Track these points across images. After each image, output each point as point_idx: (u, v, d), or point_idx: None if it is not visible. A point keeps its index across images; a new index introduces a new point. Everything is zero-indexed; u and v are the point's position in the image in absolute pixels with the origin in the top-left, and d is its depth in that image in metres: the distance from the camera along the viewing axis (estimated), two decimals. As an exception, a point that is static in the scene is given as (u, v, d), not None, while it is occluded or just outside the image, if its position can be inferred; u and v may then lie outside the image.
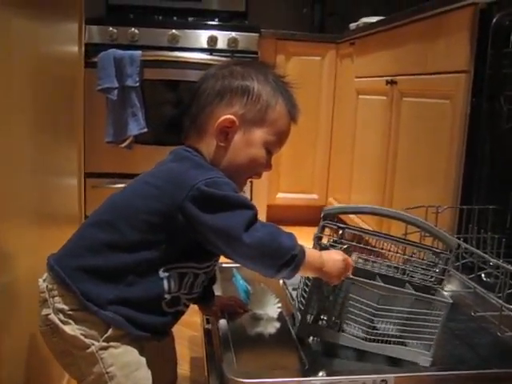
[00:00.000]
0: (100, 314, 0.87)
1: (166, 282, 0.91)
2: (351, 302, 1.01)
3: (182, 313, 0.99)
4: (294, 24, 3.39)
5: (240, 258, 0.92)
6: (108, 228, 0.91)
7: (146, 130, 2.74)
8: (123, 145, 2.76)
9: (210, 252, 0.95)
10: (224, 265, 1.48)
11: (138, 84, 2.69)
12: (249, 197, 2.98)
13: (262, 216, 3.08)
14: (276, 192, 3.08)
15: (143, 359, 0.92)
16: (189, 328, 1.58)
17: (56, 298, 0.89)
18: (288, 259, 0.88)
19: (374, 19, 2.47)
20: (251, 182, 2.96)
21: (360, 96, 2.52)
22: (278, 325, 1.14)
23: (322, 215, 1.09)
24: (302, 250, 0.90)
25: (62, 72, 1.27)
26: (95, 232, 0.92)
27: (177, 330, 1.58)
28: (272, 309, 1.15)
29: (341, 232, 1.06)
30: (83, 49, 1.45)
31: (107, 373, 0.89)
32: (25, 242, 0.99)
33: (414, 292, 1.03)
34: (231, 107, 0.97)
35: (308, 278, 1.04)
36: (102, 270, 0.89)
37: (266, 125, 0.98)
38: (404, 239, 1.13)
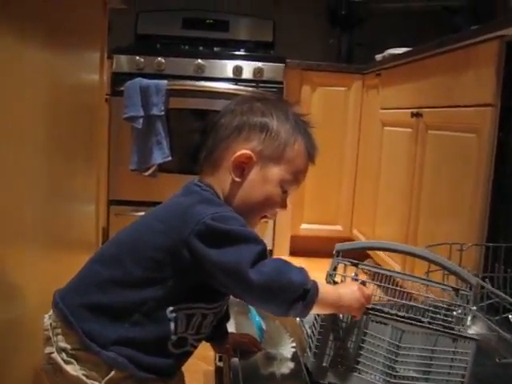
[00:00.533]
0: (102, 354, 0.84)
1: (172, 323, 0.88)
2: (370, 340, 0.95)
3: (189, 353, 0.95)
4: (321, 54, 3.40)
5: (249, 296, 0.88)
6: (113, 264, 0.89)
7: (170, 158, 2.75)
8: (147, 173, 2.77)
9: (220, 292, 0.91)
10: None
11: (163, 113, 2.71)
12: (272, 228, 2.96)
13: (285, 247, 3.05)
14: (300, 223, 3.04)
15: None
16: (204, 361, 1.55)
17: (59, 337, 0.87)
18: (299, 295, 0.83)
19: (400, 50, 2.45)
20: (274, 212, 2.93)
21: (385, 128, 2.48)
22: (291, 366, 1.09)
23: (334, 252, 1.04)
24: (315, 285, 0.86)
25: (81, 100, 1.27)
26: (100, 268, 0.90)
27: (192, 363, 1.55)
28: (286, 348, 1.11)
29: (355, 269, 1.01)
30: (105, 77, 1.46)
31: None
32: (37, 270, 0.99)
33: (439, 328, 0.97)
34: (249, 142, 0.94)
35: (321, 318, 1.00)
36: (106, 307, 0.86)
37: (284, 162, 0.95)
38: (421, 277, 1.07)
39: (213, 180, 0.96)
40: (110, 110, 2.78)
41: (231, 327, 1.20)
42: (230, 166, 0.94)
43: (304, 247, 3.08)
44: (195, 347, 0.96)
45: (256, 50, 3.21)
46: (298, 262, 2.82)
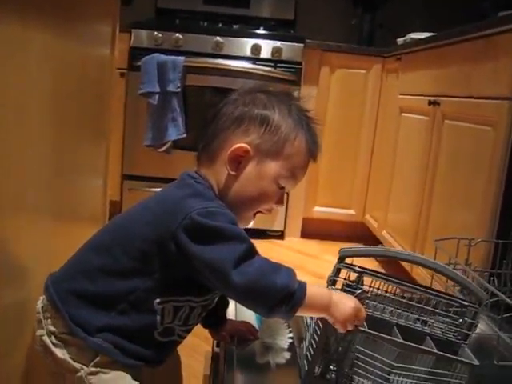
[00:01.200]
0: (88, 340, 0.85)
1: (159, 314, 0.88)
2: (364, 356, 0.91)
3: (176, 343, 0.95)
4: (342, 35, 3.34)
5: (232, 295, 0.87)
6: (103, 252, 0.89)
7: (184, 135, 2.74)
8: (161, 149, 2.77)
9: (208, 286, 0.90)
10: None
11: (179, 89, 2.70)
12: (284, 210, 2.95)
13: (296, 229, 3.05)
14: (313, 205, 3.03)
15: None
16: (206, 343, 1.56)
17: (49, 320, 0.88)
18: (281, 298, 0.81)
19: (422, 35, 2.40)
20: (287, 193, 2.93)
21: (403, 114, 2.44)
22: (287, 356, 1.08)
23: (338, 257, 1.02)
24: (302, 288, 0.83)
25: (90, 75, 1.26)
26: (91, 255, 0.90)
27: (195, 344, 1.57)
28: (282, 339, 1.11)
29: (357, 276, 0.98)
30: (117, 52, 1.43)
31: None
32: (41, 243, 0.99)
33: (435, 351, 0.93)
34: (247, 136, 0.92)
35: (319, 322, 0.98)
36: (93, 295, 0.87)
37: (282, 158, 0.92)
38: (428, 289, 1.02)
39: (209, 171, 0.94)
40: (126, 84, 2.77)
41: (231, 313, 1.21)
42: (226, 159, 0.92)
43: (316, 230, 3.08)
44: (183, 337, 0.96)
45: (276, 29, 3.16)
46: (309, 244, 2.83)
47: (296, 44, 2.78)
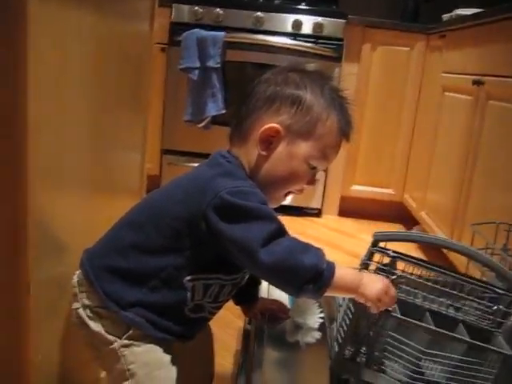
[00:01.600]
0: (120, 314, 0.87)
1: (189, 291, 0.89)
2: (395, 341, 0.91)
3: (207, 319, 0.97)
4: (386, 9, 3.27)
5: (260, 274, 0.89)
6: (136, 229, 0.90)
7: (224, 111, 2.75)
8: (201, 125, 2.78)
9: (237, 264, 0.92)
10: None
11: (219, 65, 2.69)
12: (322, 187, 2.94)
13: (334, 207, 3.04)
14: (351, 184, 3.01)
15: (167, 358, 0.91)
16: (239, 319, 1.58)
17: (84, 294, 0.91)
18: (310, 277, 0.81)
19: (468, 11, 2.32)
20: (325, 171, 2.91)
21: (445, 93, 2.38)
22: (316, 336, 1.10)
23: (372, 241, 1.00)
24: (331, 268, 0.83)
25: (129, 49, 1.26)
26: (124, 232, 0.92)
27: (228, 319, 1.59)
28: (312, 319, 1.12)
29: (390, 260, 0.96)
30: (156, 26, 1.43)
31: (128, 370, 0.89)
32: (79, 215, 1.02)
33: (467, 339, 0.92)
34: (279, 115, 0.91)
35: (351, 305, 0.96)
36: (126, 271, 0.89)
37: (313, 139, 0.92)
38: (463, 276, 0.99)
39: (240, 151, 0.95)
40: (167, 59, 2.79)
41: (263, 292, 1.22)
42: (257, 139, 0.92)
43: (353, 208, 3.06)
44: (214, 314, 0.97)
45: (318, 4, 3.10)
46: (346, 223, 2.82)
47: (338, 20, 2.74)
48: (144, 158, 1.49)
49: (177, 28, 2.73)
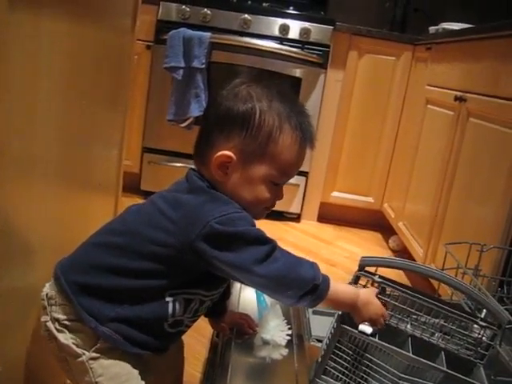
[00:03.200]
0: (99, 330, 0.86)
1: (170, 307, 0.89)
2: (374, 365, 0.92)
3: (183, 332, 0.98)
4: (374, 17, 3.27)
5: (258, 287, 0.91)
6: (117, 252, 0.89)
7: (207, 112, 2.72)
8: (183, 125, 2.76)
9: (220, 279, 0.93)
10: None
11: (204, 66, 2.67)
12: (302, 193, 2.94)
13: (313, 213, 3.04)
14: (331, 190, 3.01)
15: (135, 371, 0.91)
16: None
17: (53, 307, 0.89)
18: (308, 290, 0.85)
19: (455, 26, 2.33)
20: (306, 177, 2.91)
21: (429, 105, 2.39)
22: (283, 353, 1.09)
23: (358, 265, 1.00)
24: (326, 281, 0.87)
25: (108, 45, 1.24)
26: (104, 253, 0.90)
27: (200, 326, 1.57)
28: (280, 336, 1.11)
29: (378, 286, 0.96)
30: (137, 22, 1.40)
31: (96, 383, 0.88)
32: (52, 210, 1.00)
33: (445, 369, 0.92)
34: (229, 141, 0.90)
35: (332, 327, 0.97)
36: (106, 290, 0.88)
37: (268, 159, 0.90)
38: (448, 307, 0.98)
39: (205, 173, 0.93)
40: (152, 57, 2.76)
41: (233, 304, 1.21)
42: (213, 168, 0.90)
43: (332, 215, 3.06)
44: (189, 327, 0.98)
45: (306, 9, 3.09)
46: (324, 229, 2.81)
47: (325, 26, 2.73)
48: (122, 155, 1.47)
49: (163, 26, 2.70)
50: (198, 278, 0.90)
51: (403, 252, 2.60)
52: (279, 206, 2.92)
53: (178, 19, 2.71)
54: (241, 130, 0.89)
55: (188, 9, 2.70)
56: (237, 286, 1.39)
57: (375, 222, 3.04)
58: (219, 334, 1.19)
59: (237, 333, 1.13)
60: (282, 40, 2.72)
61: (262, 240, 0.85)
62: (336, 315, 0.99)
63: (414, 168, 2.51)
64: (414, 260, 2.25)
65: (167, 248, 0.86)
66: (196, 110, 2.72)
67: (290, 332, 1.13)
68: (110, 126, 1.37)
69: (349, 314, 0.94)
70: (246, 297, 1.31)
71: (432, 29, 2.61)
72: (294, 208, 2.96)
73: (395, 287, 0.98)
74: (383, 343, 0.92)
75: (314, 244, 2.72)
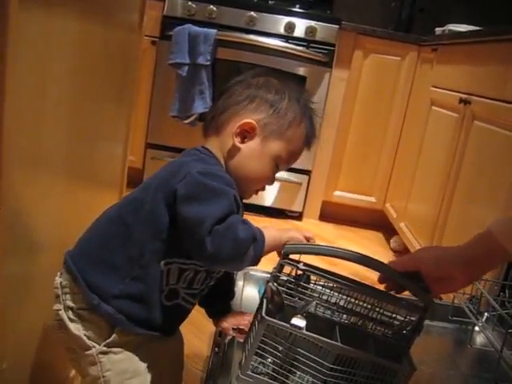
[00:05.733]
0: (102, 308, 0.88)
1: (165, 274, 0.91)
2: (302, 358, 0.89)
3: (183, 309, 0.98)
4: (380, 16, 3.26)
5: (203, 258, 0.89)
6: (117, 223, 0.92)
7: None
8: (187, 121, 2.76)
9: None
10: (252, 272, 1.46)
11: (209, 62, 2.67)
12: (304, 191, 2.94)
13: (315, 211, 3.04)
14: (333, 189, 3.01)
15: (142, 367, 0.92)
16: (212, 323, 1.57)
17: (67, 296, 0.91)
18: (249, 249, 0.86)
19: (461, 27, 2.33)
20: (309, 175, 2.91)
21: (433, 107, 2.39)
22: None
23: (282, 252, 0.95)
24: (261, 236, 0.89)
25: (116, 41, 1.23)
26: (106, 227, 0.94)
27: (201, 324, 1.58)
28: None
29: (302, 274, 0.94)
30: (145, 19, 1.40)
31: (103, 376, 0.90)
32: (57, 206, 1.01)
33: (372, 356, 0.89)
34: (257, 114, 0.97)
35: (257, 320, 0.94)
36: (109, 263, 0.90)
37: (284, 141, 0.98)
38: (375, 290, 0.96)
39: (214, 142, 0.99)
40: (157, 53, 2.76)
41: (236, 302, 1.22)
42: (234, 131, 0.97)
43: (334, 214, 3.07)
44: (188, 302, 0.98)
45: (312, 7, 3.08)
46: (326, 228, 2.81)
47: (331, 25, 2.72)
48: (127, 150, 1.47)
49: (169, 22, 2.70)
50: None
51: (404, 252, 2.60)
52: (281, 204, 2.95)
53: (184, 15, 2.70)
54: (270, 107, 0.98)
55: (194, 5, 2.69)
56: (239, 285, 1.40)
57: (377, 222, 3.04)
58: (221, 334, 1.19)
59: (240, 331, 1.13)
60: (287, 38, 2.72)
61: (228, 196, 0.87)
62: (259, 306, 0.97)
63: (416, 169, 2.51)
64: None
65: (157, 204, 0.89)
66: (200, 106, 2.72)
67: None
68: (116, 122, 1.38)
69: (272, 304, 0.92)
70: (248, 295, 1.32)
71: (438, 30, 2.60)
72: (296, 206, 2.96)
73: (320, 274, 0.95)
74: (314, 335, 0.88)
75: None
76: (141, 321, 0.91)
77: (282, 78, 1.04)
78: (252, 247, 0.86)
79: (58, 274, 0.94)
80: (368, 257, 0.94)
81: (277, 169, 1.01)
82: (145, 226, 0.90)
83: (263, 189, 1.04)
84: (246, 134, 0.97)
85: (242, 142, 0.97)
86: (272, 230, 0.93)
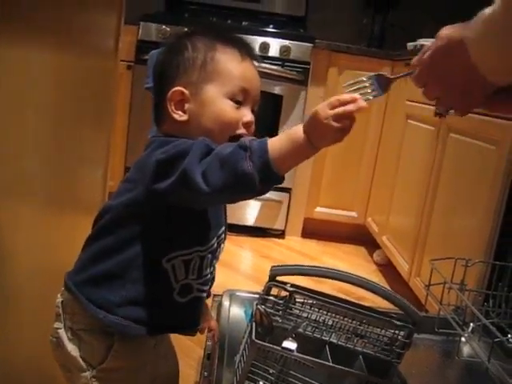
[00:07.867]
0: (107, 320, 0.86)
1: (170, 272, 0.88)
2: (292, 379, 0.90)
3: (198, 300, 0.95)
4: (353, 33, 3.31)
5: (205, 197, 0.80)
6: (101, 235, 0.90)
7: (189, 131, 2.72)
8: (165, 143, 2.75)
9: (206, 226, 0.90)
10: (238, 293, 1.46)
11: (185, 85, 2.67)
12: (286, 209, 2.95)
13: (297, 228, 3.05)
14: (315, 206, 3.03)
15: None
16: (199, 346, 1.56)
17: (68, 316, 0.90)
18: (257, 177, 0.74)
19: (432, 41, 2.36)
20: (290, 193, 2.92)
21: (409, 120, 2.42)
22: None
23: (269, 275, 0.97)
24: (252, 142, 0.76)
25: (93, 66, 1.24)
26: (94, 242, 0.92)
27: (188, 348, 1.57)
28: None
29: (290, 295, 0.94)
30: (120, 44, 1.41)
31: None
32: (37, 230, 1.00)
33: (363, 374, 0.91)
34: (175, 81, 0.91)
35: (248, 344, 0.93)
36: (105, 274, 0.88)
37: (215, 77, 0.90)
38: (361, 307, 0.97)
39: (166, 128, 0.93)
40: (133, 77, 2.76)
41: (224, 324, 1.22)
42: (171, 109, 0.90)
43: (317, 230, 3.08)
44: (203, 291, 0.95)
45: (286, 26, 3.12)
46: (309, 244, 2.80)
47: (305, 44, 2.76)
48: (107, 174, 1.47)
49: (144, 46, 2.71)
50: (185, 234, 0.88)
51: (388, 266, 2.62)
52: (263, 223, 2.95)
53: (159, 39, 2.72)
54: (179, 67, 0.91)
55: (168, 28, 2.71)
56: (226, 305, 1.40)
57: (359, 237, 3.06)
58: (209, 357, 1.19)
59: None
60: (262, 58, 2.74)
61: (208, 144, 0.80)
62: (247, 330, 0.96)
63: (396, 182, 2.53)
64: (399, 274, 2.27)
65: (133, 204, 0.86)
66: (178, 128, 2.71)
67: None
68: (95, 147, 1.38)
69: (261, 327, 0.91)
70: (235, 315, 1.32)
71: (410, 45, 2.64)
72: (278, 224, 2.97)
73: (308, 294, 0.96)
74: (305, 356, 0.89)
75: (299, 260, 2.72)
76: (153, 323, 0.89)
77: (185, 33, 0.95)
78: (247, 156, 0.74)
79: (59, 293, 0.94)
80: (357, 276, 0.94)
81: (239, 104, 0.91)
82: (128, 230, 0.88)
83: (248, 130, 0.92)
84: (182, 103, 0.90)
85: (184, 112, 0.90)
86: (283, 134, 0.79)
